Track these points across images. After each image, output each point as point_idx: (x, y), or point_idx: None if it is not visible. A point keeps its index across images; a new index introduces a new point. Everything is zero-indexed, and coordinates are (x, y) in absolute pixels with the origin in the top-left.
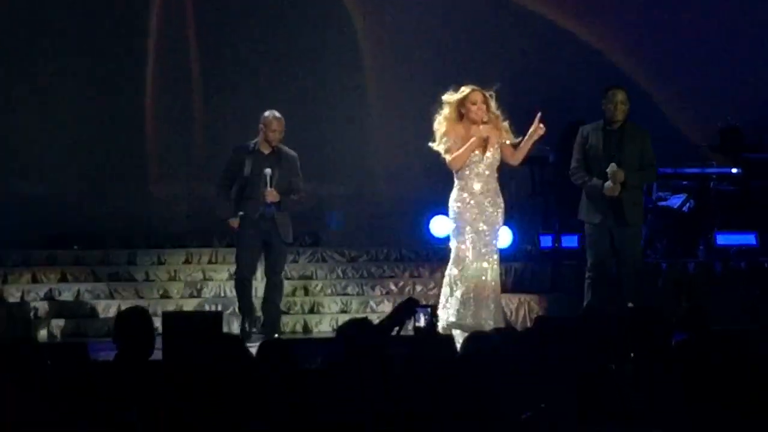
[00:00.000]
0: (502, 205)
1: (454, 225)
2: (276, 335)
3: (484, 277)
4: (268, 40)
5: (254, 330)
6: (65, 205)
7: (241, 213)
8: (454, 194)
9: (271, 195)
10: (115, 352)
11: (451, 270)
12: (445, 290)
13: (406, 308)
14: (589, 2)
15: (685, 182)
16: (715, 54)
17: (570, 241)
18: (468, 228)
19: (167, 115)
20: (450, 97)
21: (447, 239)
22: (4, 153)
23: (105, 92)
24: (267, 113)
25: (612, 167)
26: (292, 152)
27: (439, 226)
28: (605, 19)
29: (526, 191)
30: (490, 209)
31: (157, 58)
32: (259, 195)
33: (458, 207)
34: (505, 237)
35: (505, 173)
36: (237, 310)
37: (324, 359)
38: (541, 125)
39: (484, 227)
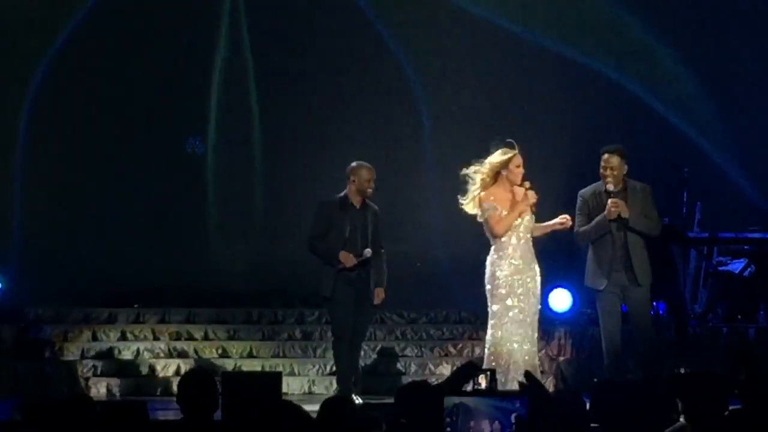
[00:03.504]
0: (537, 269)
1: (489, 289)
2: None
3: (519, 343)
4: (329, 103)
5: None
6: (126, 264)
7: (340, 266)
8: (490, 258)
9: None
10: (174, 411)
11: (492, 336)
12: (488, 354)
13: (466, 371)
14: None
15: (746, 247)
16: None
17: None
18: (504, 292)
19: (228, 174)
20: (495, 158)
21: None
22: (65, 211)
23: (165, 151)
24: (356, 163)
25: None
26: (376, 206)
27: None
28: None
29: (586, 254)
30: (528, 272)
31: (218, 118)
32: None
33: (493, 271)
34: (565, 300)
35: (564, 238)
36: (337, 371)
37: (385, 422)
38: (564, 223)
39: (521, 291)
